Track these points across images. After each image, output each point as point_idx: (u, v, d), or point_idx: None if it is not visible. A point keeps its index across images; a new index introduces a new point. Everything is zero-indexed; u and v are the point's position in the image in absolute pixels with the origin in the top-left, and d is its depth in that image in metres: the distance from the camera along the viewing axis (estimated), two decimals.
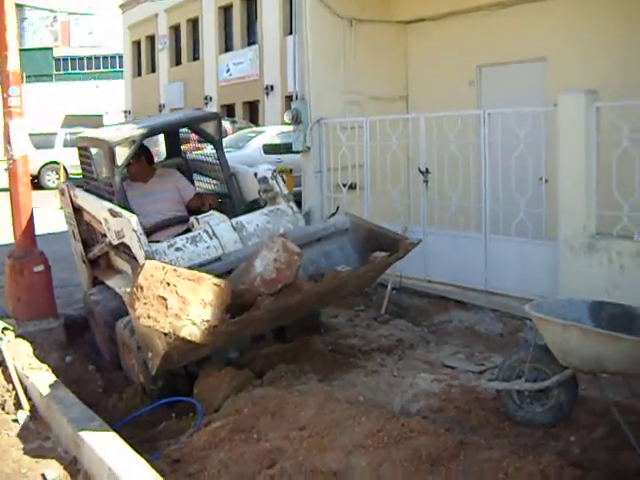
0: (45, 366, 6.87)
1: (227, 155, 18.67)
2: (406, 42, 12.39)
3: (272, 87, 33.56)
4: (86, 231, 8.15)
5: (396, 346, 7.43)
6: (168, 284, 5.35)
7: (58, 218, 12.89)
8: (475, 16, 11.16)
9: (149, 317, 5.28)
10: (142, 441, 5.67)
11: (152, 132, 7.87)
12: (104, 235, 7.34)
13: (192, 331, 5.33)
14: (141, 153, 8.00)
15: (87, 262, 8.27)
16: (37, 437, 5.82)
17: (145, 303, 5.30)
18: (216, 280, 5.56)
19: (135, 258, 6.65)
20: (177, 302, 5.33)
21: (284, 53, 29.17)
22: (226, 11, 39.35)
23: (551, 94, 8.23)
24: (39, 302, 8.18)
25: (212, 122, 8.02)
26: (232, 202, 7.99)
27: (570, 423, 5.18)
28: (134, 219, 6.69)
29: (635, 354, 4.49)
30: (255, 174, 7.85)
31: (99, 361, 7.63)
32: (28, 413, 6.17)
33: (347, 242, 7.36)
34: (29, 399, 6.36)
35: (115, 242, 7.01)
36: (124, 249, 7.00)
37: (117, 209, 6.93)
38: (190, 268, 6.18)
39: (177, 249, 6.75)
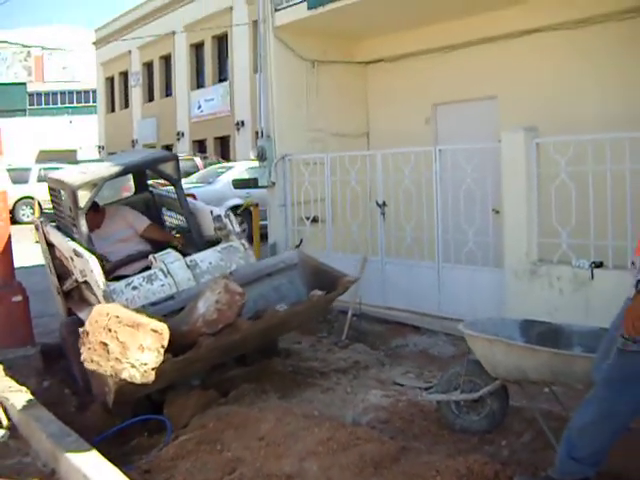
0: (24, 388, 7.26)
1: (198, 190, 19.29)
2: (366, 81, 13.01)
3: (243, 123, 34.02)
4: (60, 265, 8.39)
5: (352, 367, 7.91)
6: (110, 330, 5.69)
7: (33, 252, 13.28)
8: (431, 57, 11.78)
9: (92, 361, 5.66)
10: (116, 456, 5.97)
11: (112, 175, 8.00)
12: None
13: (131, 373, 5.69)
14: (92, 218, 8.22)
15: (62, 294, 8.55)
16: (17, 453, 6.21)
17: (89, 348, 5.67)
18: (155, 326, 5.86)
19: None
20: (117, 347, 5.66)
21: (254, 90, 29.58)
22: (197, 49, 39.85)
23: (502, 130, 8.77)
24: (17, 330, 8.62)
25: (170, 163, 8.34)
26: (192, 238, 8.32)
27: (503, 430, 5.72)
28: (93, 260, 7.06)
29: (552, 364, 5.03)
30: (211, 212, 8.22)
31: (74, 386, 7.90)
32: (8, 431, 6.59)
33: (297, 276, 7.66)
34: (9, 419, 6.76)
35: (81, 279, 7.38)
36: (89, 285, 7.33)
37: (80, 249, 7.27)
38: (143, 307, 6.67)
39: (133, 288, 7.10)
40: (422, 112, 12.11)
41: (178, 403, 6.75)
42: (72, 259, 7.45)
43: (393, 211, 10.05)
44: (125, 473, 5.23)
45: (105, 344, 5.67)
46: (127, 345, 5.71)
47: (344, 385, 7.27)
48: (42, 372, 8.21)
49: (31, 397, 7.06)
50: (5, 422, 6.70)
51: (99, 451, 5.66)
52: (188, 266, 7.42)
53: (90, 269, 7.04)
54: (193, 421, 6.32)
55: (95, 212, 8.39)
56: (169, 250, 7.70)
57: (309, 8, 11.02)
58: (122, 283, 7.16)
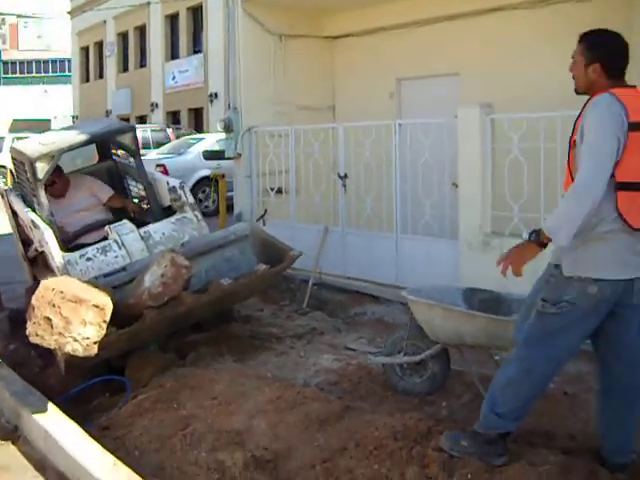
0: None
1: (169, 160, 19.43)
2: (333, 56, 13.18)
3: (216, 95, 34.11)
4: (24, 232, 8.56)
5: (308, 333, 8.18)
6: (54, 305, 5.88)
7: (2, 220, 13.43)
8: (396, 33, 11.96)
9: (37, 335, 5.88)
10: (77, 415, 6.14)
11: (71, 147, 8.12)
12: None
13: (74, 347, 5.91)
14: (50, 177, 8.28)
15: (27, 261, 8.72)
16: None
17: (34, 322, 5.88)
18: (97, 301, 6.01)
19: None
20: (61, 322, 5.86)
21: (228, 62, 29.70)
22: (172, 20, 39.85)
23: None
24: None
25: (128, 134, 8.54)
26: (151, 207, 8.52)
27: (444, 392, 6.02)
28: (48, 232, 7.27)
29: (487, 329, 5.32)
30: (167, 182, 8.40)
31: (39, 349, 8.22)
32: None
33: (248, 247, 7.74)
34: None
35: (39, 249, 7.60)
36: None
37: (37, 221, 7.47)
38: (97, 278, 6.88)
39: (88, 259, 7.28)
40: (387, 87, 12.35)
41: (138, 365, 6.97)
42: (31, 229, 7.64)
43: (354, 183, 10.27)
44: (85, 429, 5.48)
45: (49, 319, 5.87)
46: (70, 320, 5.89)
47: (298, 349, 7.55)
48: (9, 336, 8.32)
49: None
50: None
51: (61, 410, 5.87)
52: (142, 237, 7.59)
53: (46, 241, 7.24)
54: (152, 382, 6.54)
55: (60, 181, 8.57)
56: (124, 221, 7.84)
57: None
58: (77, 254, 7.34)
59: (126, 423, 5.82)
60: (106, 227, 7.76)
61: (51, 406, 5.92)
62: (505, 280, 5.21)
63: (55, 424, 5.56)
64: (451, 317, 5.49)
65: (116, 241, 7.49)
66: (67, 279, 6.40)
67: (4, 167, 28.01)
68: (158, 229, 7.77)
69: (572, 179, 4.17)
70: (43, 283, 6.10)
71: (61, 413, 5.74)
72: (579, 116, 4.22)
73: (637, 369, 4.42)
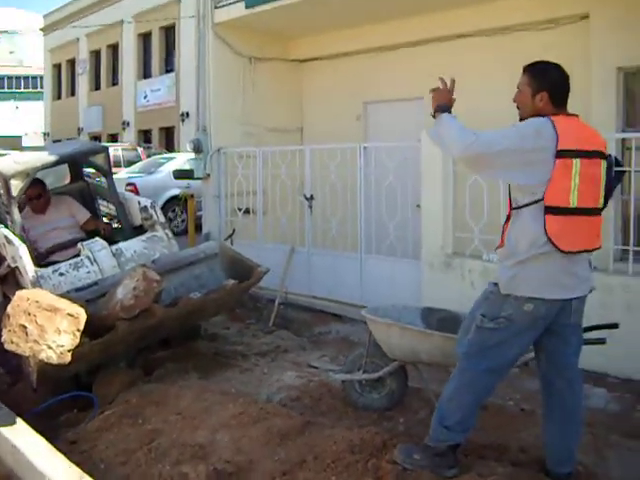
0: None
1: (139, 179, 19.51)
2: (301, 79, 13.51)
3: (187, 114, 34.06)
4: None
5: (273, 351, 8.36)
6: (29, 314, 5.96)
7: None
8: (362, 57, 12.32)
9: (12, 342, 5.91)
10: (45, 430, 6.26)
11: (45, 166, 8.28)
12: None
13: (48, 354, 5.96)
14: (36, 191, 8.58)
15: None
16: None
17: (9, 330, 5.93)
18: (71, 310, 6.13)
19: None
20: (36, 330, 5.93)
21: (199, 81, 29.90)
22: (145, 39, 39.94)
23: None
24: None
25: (101, 154, 8.71)
26: (122, 226, 8.67)
27: (402, 408, 6.22)
28: (22, 248, 7.37)
29: (443, 347, 5.51)
30: (138, 202, 8.58)
31: (7, 366, 8.15)
32: None
33: (217, 265, 7.95)
34: None
35: (12, 265, 7.64)
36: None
37: (11, 236, 7.55)
38: (69, 292, 6.99)
39: (60, 274, 7.41)
40: (354, 110, 12.65)
41: (105, 381, 7.10)
42: (4, 245, 7.72)
43: (320, 204, 10.50)
44: (52, 444, 5.62)
45: (24, 327, 5.93)
46: (45, 328, 5.97)
47: (262, 366, 7.71)
48: None
49: None
50: None
51: (29, 425, 5.99)
52: (114, 254, 7.73)
53: (19, 255, 7.35)
54: (118, 398, 6.67)
55: (43, 197, 8.74)
56: (97, 239, 7.98)
57: (247, 7, 11.46)
58: (49, 269, 7.46)
59: (93, 437, 5.96)
60: (78, 244, 7.88)
61: (19, 421, 6.06)
62: (466, 300, 5.49)
63: (23, 438, 5.69)
64: (407, 336, 5.69)
65: (88, 257, 7.63)
66: (40, 291, 6.51)
67: None
68: (130, 247, 7.91)
69: (510, 200, 4.53)
70: (18, 293, 6.20)
71: (29, 428, 5.87)
72: None
73: (576, 386, 4.71)
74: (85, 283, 7.38)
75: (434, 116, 4.76)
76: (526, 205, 4.35)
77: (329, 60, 12.90)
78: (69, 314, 6.09)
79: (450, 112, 4.72)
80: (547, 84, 4.53)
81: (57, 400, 6.97)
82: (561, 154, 4.23)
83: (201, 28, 12.26)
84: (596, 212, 4.45)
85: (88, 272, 7.53)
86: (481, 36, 10.57)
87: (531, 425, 5.73)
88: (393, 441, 5.04)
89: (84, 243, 7.85)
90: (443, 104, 4.78)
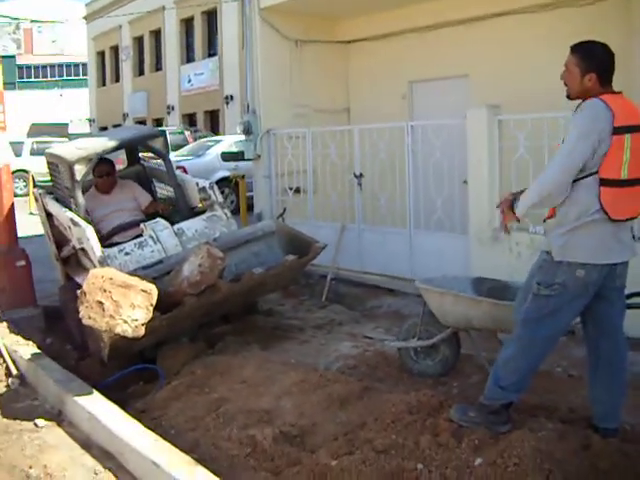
0: (30, 342, 7.94)
1: (188, 162, 19.81)
2: (348, 60, 13.68)
3: (232, 97, 34.50)
4: (58, 233, 8.96)
5: (328, 324, 8.71)
6: (105, 290, 6.31)
7: (28, 223, 13.90)
8: (408, 37, 12.45)
9: (90, 318, 6.28)
10: (114, 401, 6.62)
11: (106, 151, 8.60)
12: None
13: (124, 328, 6.31)
14: (105, 169, 8.98)
15: (60, 260, 9.14)
16: (26, 398, 6.91)
17: (87, 306, 6.29)
18: (144, 286, 6.48)
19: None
20: (112, 305, 6.29)
21: (243, 64, 29.82)
22: (187, 23, 40.38)
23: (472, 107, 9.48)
24: (21, 293, 9.26)
25: (159, 138, 8.96)
26: (179, 207, 8.94)
27: (455, 373, 6.54)
28: (89, 229, 7.72)
29: (492, 313, 5.80)
30: (197, 184, 8.85)
31: (73, 343, 8.55)
32: (18, 380, 7.27)
33: (275, 242, 8.30)
34: (18, 369, 7.45)
35: (78, 247, 7.99)
36: (85, 252, 7.93)
37: (77, 219, 7.89)
38: (135, 270, 7.31)
39: (126, 253, 7.74)
40: (399, 89, 12.85)
41: (170, 355, 7.46)
42: (70, 228, 8.05)
43: (369, 182, 10.74)
44: (126, 412, 5.98)
45: (101, 302, 6.28)
46: (120, 303, 6.32)
47: (319, 338, 8.06)
48: (44, 331, 8.84)
49: (37, 350, 7.75)
50: (15, 371, 7.42)
51: (101, 394, 6.39)
52: (176, 234, 8.03)
53: (87, 237, 7.68)
54: (183, 370, 7.04)
55: (112, 177, 9.12)
56: (158, 219, 8.28)
57: None
58: (115, 249, 7.80)
59: (162, 406, 6.33)
60: (141, 225, 8.20)
61: (92, 391, 6.43)
62: (513, 272, 5.73)
63: (98, 406, 6.08)
64: (460, 303, 5.98)
65: (152, 237, 7.93)
66: (112, 269, 6.87)
67: (25, 171, 28.50)
68: (191, 226, 8.21)
69: None
70: (92, 272, 6.54)
71: (102, 397, 6.24)
72: None
73: (621, 346, 4.98)
74: (150, 262, 7.69)
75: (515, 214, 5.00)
76: (580, 179, 4.60)
77: (375, 40, 13.09)
78: (142, 290, 6.44)
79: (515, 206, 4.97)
80: (595, 65, 4.73)
81: (126, 372, 7.33)
82: (616, 131, 4.49)
83: (247, 13, 12.47)
84: None
85: (152, 251, 7.83)
86: (526, 12, 10.69)
87: (579, 388, 5.96)
88: (448, 402, 5.33)
89: (147, 223, 8.16)
90: (513, 206, 4.99)
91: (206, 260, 6.83)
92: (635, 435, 5.06)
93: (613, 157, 4.51)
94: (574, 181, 4.61)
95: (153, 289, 6.52)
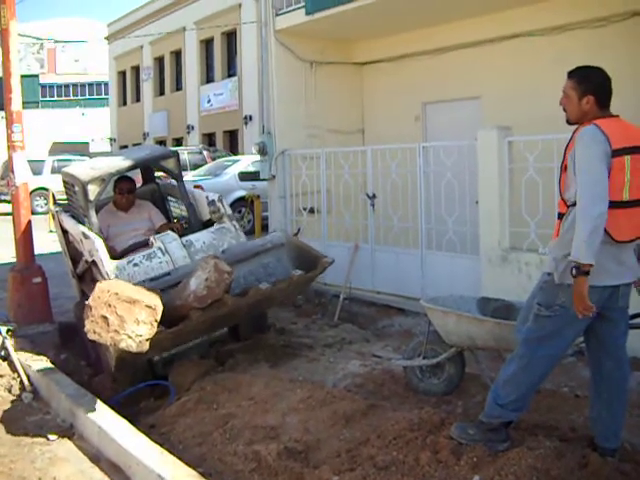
0: (44, 358, 8.07)
1: (206, 182, 19.97)
2: (362, 81, 13.80)
3: (251, 117, 34.63)
4: (73, 249, 9.05)
5: (338, 342, 8.78)
6: (110, 305, 6.39)
7: (48, 241, 14.07)
8: (422, 58, 12.58)
9: (94, 332, 6.36)
10: (125, 416, 6.71)
11: (120, 171, 8.77)
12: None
13: (128, 343, 6.39)
14: (126, 186, 9.10)
15: (76, 277, 9.20)
16: (39, 412, 7.07)
17: (92, 321, 6.37)
18: (149, 301, 6.55)
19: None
20: (116, 320, 6.36)
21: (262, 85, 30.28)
22: (207, 44, 40.67)
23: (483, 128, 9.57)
24: (37, 309, 9.48)
25: (172, 159, 9.06)
26: (191, 224, 9.03)
27: (460, 392, 6.62)
28: (98, 240, 7.86)
29: (495, 332, 5.88)
30: (207, 197, 8.94)
31: (88, 359, 8.67)
32: (31, 394, 7.41)
33: (284, 255, 8.25)
34: (31, 384, 7.59)
35: (89, 259, 8.09)
36: (97, 266, 8.00)
37: (88, 232, 8.01)
38: (143, 282, 7.40)
39: (135, 265, 7.82)
40: (413, 110, 12.96)
41: (180, 372, 7.57)
42: (82, 241, 8.17)
43: (382, 202, 10.84)
44: (135, 426, 6.09)
45: (105, 317, 6.36)
46: (125, 319, 6.40)
47: (328, 356, 8.15)
48: (59, 346, 8.96)
49: (51, 365, 7.89)
50: (28, 386, 7.55)
51: (112, 409, 6.51)
52: (184, 245, 8.10)
53: (96, 248, 7.80)
54: (193, 386, 7.15)
55: (131, 195, 9.22)
56: (168, 232, 8.39)
57: (307, 14, 11.79)
58: (124, 261, 7.89)
59: (170, 421, 6.45)
60: (150, 237, 8.28)
61: (103, 406, 6.55)
62: (523, 292, 5.78)
63: (107, 421, 6.20)
64: (463, 322, 6.06)
65: (160, 248, 8.01)
66: (119, 282, 6.96)
67: (46, 189, 28.77)
68: (199, 238, 8.28)
69: (563, 200, 4.85)
70: (98, 285, 6.63)
71: (112, 411, 6.35)
72: (569, 143, 4.80)
73: (624, 365, 5.04)
74: (158, 273, 7.78)
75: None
76: None
77: (389, 62, 13.21)
78: (147, 305, 6.52)
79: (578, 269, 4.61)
80: (592, 88, 4.84)
81: (137, 388, 7.49)
82: (615, 153, 4.57)
83: (263, 35, 12.65)
84: None
85: (160, 262, 7.91)
86: (536, 35, 10.80)
87: (582, 408, 6.01)
88: (450, 420, 5.41)
89: (156, 236, 8.24)
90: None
91: (213, 274, 6.88)
92: (634, 455, 5.11)
93: (615, 179, 4.58)
94: (575, 205, 4.68)
95: (158, 305, 6.60)
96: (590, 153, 4.60)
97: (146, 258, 7.93)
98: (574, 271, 4.56)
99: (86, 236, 8.01)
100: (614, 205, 4.59)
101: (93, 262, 8.08)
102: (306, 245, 8.56)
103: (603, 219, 4.51)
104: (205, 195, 9.12)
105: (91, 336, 6.42)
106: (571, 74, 4.95)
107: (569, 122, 4.98)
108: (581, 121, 4.85)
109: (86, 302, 6.54)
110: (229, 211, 8.77)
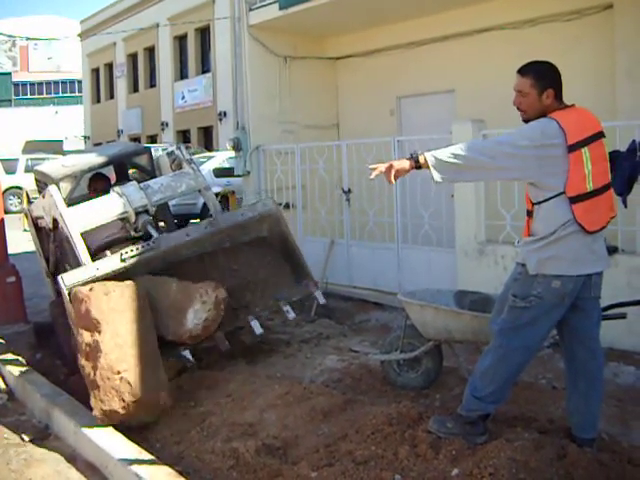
0: (19, 358, 8.04)
1: None
2: (336, 76, 13.83)
3: (225, 113, 34.51)
4: (47, 249, 8.91)
5: (315, 338, 8.75)
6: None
7: (22, 240, 13.96)
8: (395, 53, 12.61)
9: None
10: None
11: (92, 168, 8.68)
12: (55, 240, 8.22)
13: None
14: (100, 185, 8.95)
15: (50, 276, 9.12)
16: (14, 413, 7.02)
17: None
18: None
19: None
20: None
21: (236, 81, 30.23)
22: (181, 40, 40.47)
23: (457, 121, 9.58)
24: (11, 309, 9.37)
25: (144, 155, 9.04)
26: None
27: (438, 386, 6.60)
28: (53, 188, 7.49)
29: (472, 325, 5.88)
30: (167, 154, 8.63)
31: (63, 358, 8.51)
32: (6, 395, 7.37)
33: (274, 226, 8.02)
34: (6, 384, 7.56)
35: (50, 221, 7.74)
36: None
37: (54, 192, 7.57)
38: (122, 255, 7.03)
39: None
40: (387, 104, 12.98)
41: None
42: (45, 210, 7.88)
43: (357, 197, 10.86)
44: (113, 426, 6.04)
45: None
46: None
47: (305, 352, 8.12)
48: (35, 346, 8.91)
49: (26, 365, 7.85)
50: (3, 386, 7.49)
51: (87, 409, 6.42)
52: (140, 188, 7.72)
53: (50, 194, 7.45)
54: (170, 384, 7.09)
55: (103, 193, 8.82)
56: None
57: (280, 8, 11.78)
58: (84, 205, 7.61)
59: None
60: (111, 189, 7.96)
61: (79, 405, 6.50)
62: (499, 285, 5.79)
63: (83, 420, 6.14)
64: (440, 315, 6.05)
65: (117, 192, 7.64)
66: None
67: (19, 188, 28.64)
68: (157, 181, 7.98)
69: (529, 198, 4.94)
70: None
71: (88, 411, 6.29)
72: None
73: (598, 355, 5.05)
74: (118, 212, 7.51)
75: (417, 167, 5.00)
76: (548, 199, 4.72)
77: (363, 57, 13.23)
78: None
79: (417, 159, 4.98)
80: (550, 81, 4.87)
81: None
82: (571, 149, 4.59)
83: (236, 30, 12.63)
84: (607, 187, 4.82)
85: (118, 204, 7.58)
86: (508, 29, 10.83)
87: (560, 400, 5.99)
88: (428, 414, 5.41)
89: (115, 188, 7.91)
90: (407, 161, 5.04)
91: (212, 312, 6.79)
92: (612, 445, 5.12)
93: (575, 174, 4.61)
94: (545, 201, 4.73)
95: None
96: (533, 135, 4.67)
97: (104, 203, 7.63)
98: (413, 155, 4.93)
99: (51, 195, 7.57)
100: (580, 198, 4.63)
101: (64, 244, 7.82)
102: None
103: (469, 165, 4.76)
104: (166, 153, 8.80)
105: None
106: (525, 72, 4.94)
107: (527, 121, 4.96)
108: (541, 116, 4.84)
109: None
110: (188, 157, 8.33)
